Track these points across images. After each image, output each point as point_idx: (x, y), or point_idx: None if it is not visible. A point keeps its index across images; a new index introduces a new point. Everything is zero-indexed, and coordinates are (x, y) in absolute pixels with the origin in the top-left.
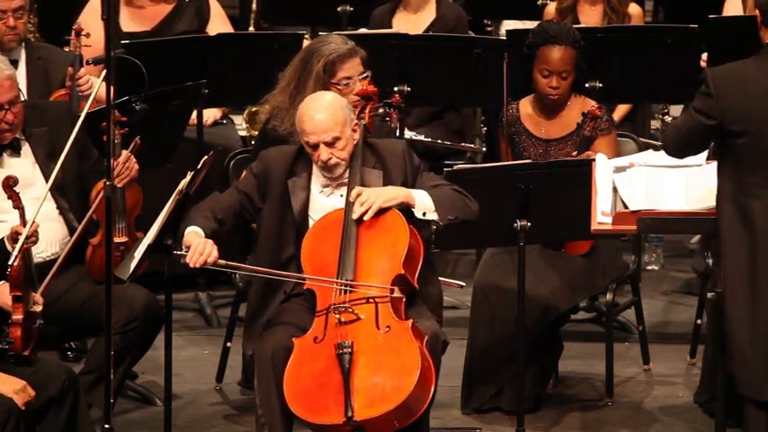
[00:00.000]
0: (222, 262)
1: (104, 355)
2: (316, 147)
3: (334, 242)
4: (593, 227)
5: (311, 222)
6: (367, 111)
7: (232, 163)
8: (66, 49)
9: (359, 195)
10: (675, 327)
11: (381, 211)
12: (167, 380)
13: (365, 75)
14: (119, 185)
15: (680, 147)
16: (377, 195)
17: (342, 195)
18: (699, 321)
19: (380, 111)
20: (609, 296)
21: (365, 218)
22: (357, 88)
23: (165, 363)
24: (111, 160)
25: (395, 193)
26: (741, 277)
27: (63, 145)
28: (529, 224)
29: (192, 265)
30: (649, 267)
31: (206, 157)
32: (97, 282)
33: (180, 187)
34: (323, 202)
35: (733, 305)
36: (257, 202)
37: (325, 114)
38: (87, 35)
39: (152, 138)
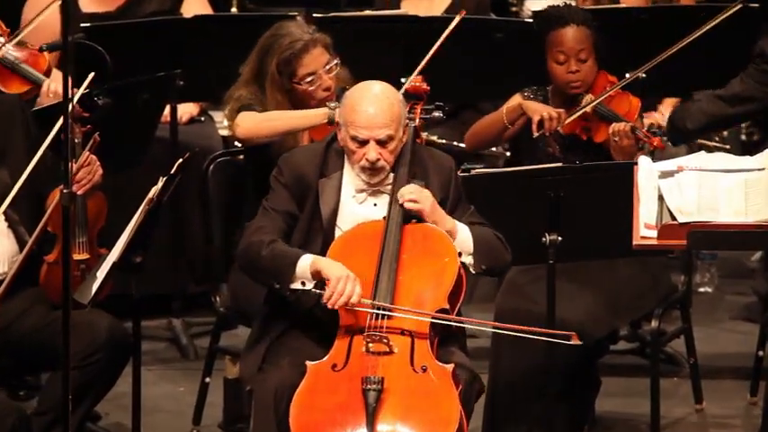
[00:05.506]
0: (367, 301)
1: (62, 392)
2: (364, 143)
3: (368, 258)
4: (636, 241)
5: (337, 232)
6: (417, 111)
7: (212, 167)
8: None
9: (411, 191)
10: (732, 359)
11: (429, 233)
12: (135, 422)
13: (333, 63)
14: (79, 193)
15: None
16: (428, 198)
17: (376, 205)
18: (760, 353)
19: (435, 114)
20: (654, 323)
21: (406, 205)
22: (327, 82)
23: (132, 401)
24: (70, 163)
25: (443, 215)
26: None
27: (11, 145)
28: (560, 238)
29: (330, 307)
30: (701, 289)
31: (181, 159)
32: (53, 306)
33: (150, 195)
34: (354, 209)
35: None
36: (299, 215)
37: (381, 107)
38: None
39: (118, 138)
